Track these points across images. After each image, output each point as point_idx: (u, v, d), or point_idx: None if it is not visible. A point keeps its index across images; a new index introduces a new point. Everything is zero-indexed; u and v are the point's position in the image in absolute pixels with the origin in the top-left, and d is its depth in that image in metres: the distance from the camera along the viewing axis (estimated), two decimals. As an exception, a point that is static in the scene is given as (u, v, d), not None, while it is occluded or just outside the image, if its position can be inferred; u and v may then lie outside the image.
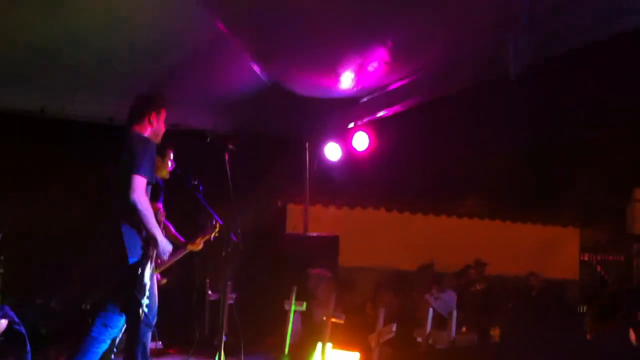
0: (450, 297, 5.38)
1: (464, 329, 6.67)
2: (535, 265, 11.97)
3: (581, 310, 12.09)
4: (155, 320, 4.81)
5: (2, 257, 6.70)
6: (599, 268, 15.21)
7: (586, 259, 14.83)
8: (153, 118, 4.84)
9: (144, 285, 4.46)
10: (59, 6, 6.12)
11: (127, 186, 4.42)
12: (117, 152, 4.67)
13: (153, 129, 4.84)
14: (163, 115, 5.03)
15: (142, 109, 4.87)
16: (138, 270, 4.44)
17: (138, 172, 4.47)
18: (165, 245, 4.62)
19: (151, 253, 4.55)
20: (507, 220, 13.50)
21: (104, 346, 4.65)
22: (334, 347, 5.32)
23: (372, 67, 6.76)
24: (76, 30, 6.53)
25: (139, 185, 4.46)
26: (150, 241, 4.53)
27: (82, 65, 7.08)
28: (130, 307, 4.48)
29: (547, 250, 13.19)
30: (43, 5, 6.09)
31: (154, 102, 4.94)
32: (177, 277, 5.99)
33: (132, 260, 4.45)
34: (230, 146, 5.03)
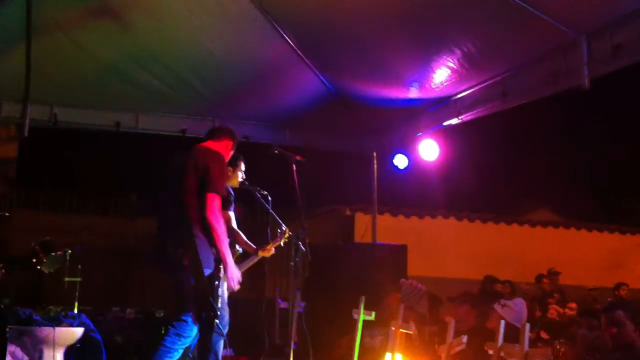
0: (520, 305, 5.24)
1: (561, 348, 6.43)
2: (612, 274, 11.60)
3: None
4: (227, 329, 4.91)
5: (80, 267, 6.94)
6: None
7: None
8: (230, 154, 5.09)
9: (219, 297, 4.57)
10: (134, 27, 6.37)
11: (204, 205, 4.54)
12: (188, 160, 4.80)
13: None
14: (239, 167, 5.35)
15: (225, 135, 5.04)
16: (214, 281, 4.53)
17: (214, 191, 4.61)
18: (234, 271, 4.70)
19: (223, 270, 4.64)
20: (583, 229, 13.12)
21: (177, 355, 4.69)
22: (403, 358, 5.29)
23: (439, 75, 6.72)
24: (150, 48, 6.77)
25: (215, 204, 4.59)
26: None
27: (156, 82, 7.31)
28: (205, 318, 4.57)
29: (624, 259, 12.75)
30: (120, 28, 6.34)
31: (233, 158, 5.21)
32: (247, 286, 6.07)
33: (207, 271, 4.55)
34: (297, 157, 5.09)
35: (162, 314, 7.65)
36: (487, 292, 9.04)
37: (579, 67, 5.49)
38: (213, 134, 5.19)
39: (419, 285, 6.71)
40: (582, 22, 5.37)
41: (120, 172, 13.07)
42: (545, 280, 10.56)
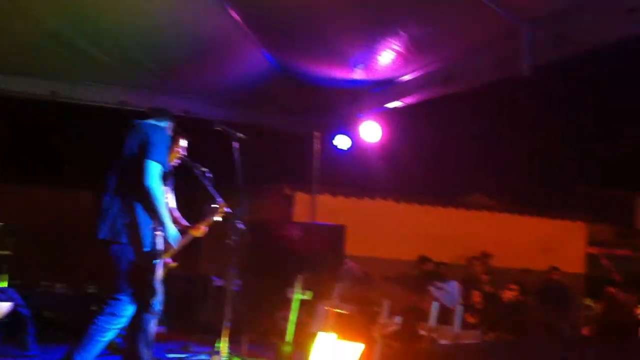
0: (453, 287, 5.34)
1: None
2: (541, 258, 11.96)
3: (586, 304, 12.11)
4: (160, 307, 4.83)
5: (12, 240, 6.73)
6: (605, 262, 15.19)
7: (593, 252, 14.82)
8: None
9: (158, 275, 4.49)
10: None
11: (142, 171, 4.46)
12: (131, 137, 4.70)
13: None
14: (178, 143, 5.27)
15: (166, 117, 4.98)
16: (154, 259, 4.45)
17: (154, 158, 4.53)
18: (174, 233, 4.65)
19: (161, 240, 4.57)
20: (516, 214, 13.46)
21: (110, 335, 4.59)
22: (338, 338, 5.32)
23: (384, 57, 6.72)
24: (89, 18, 6.53)
25: (154, 171, 4.51)
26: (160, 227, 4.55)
27: (95, 52, 7.08)
28: (144, 297, 4.48)
29: (554, 244, 13.16)
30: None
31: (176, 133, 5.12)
32: (183, 262, 5.99)
33: (147, 248, 4.47)
34: (239, 135, 5.02)
35: (93, 290, 7.49)
36: (423, 273, 9.19)
37: (521, 54, 5.57)
38: (153, 115, 5.08)
39: (355, 267, 6.77)
40: (525, 10, 5.43)
41: (55, 144, 12.68)
42: (476, 262, 10.79)
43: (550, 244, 13.05)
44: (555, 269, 10.95)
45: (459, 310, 3.66)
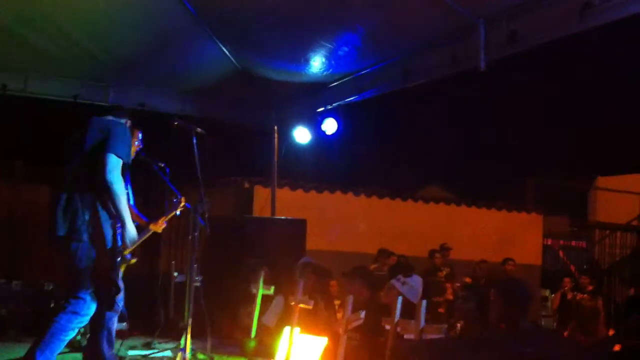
0: (416, 281, 5.39)
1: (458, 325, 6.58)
2: (499, 250, 12.16)
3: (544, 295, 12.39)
4: (122, 304, 4.77)
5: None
6: (561, 254, 15.54)
7: (549, 244, 15.13)
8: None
9: (119, 271, 4.43)
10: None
11: (103, 165, 4.39)
12: (89, 132, 4.61)
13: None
14: (136, 137, 5.16)
15: (124, 114, 4.91)
16: (115, 256, 4.38)
17: (114, 152, 4.45)
18: (132, 232, 4.58)
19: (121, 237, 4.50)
20: (473, 206, 13.64)
21: (72, 334, 4.49)
22: (301, 332, 5.34)
23: (342, 52, 6.74)
24: (36, 9, 6.39)
25: (114, 164, 4.44)
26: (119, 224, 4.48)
27: (48, 44, 6.94)
28: (106, 295, 4.41)
29: (511, 236, 13.39)
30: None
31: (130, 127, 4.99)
32: (143, 259, 5.93)
33: (108, 245, 4.40)
34: (198, 130, 4.97)
35: (50, 287, 7.36)
36: (387, 267, 9.25)
37: (476, 50, 5.66)
38: (112, 111, 5.00)
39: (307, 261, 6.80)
40: (480, 7, 5.52)
41: (6, 138, 12.37)
42: (437, 255, 10.92)
43: (507, 236, 13.28)
44: (509, 260, 11.15)
45: (423, 304, 3.71)
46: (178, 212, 5.45)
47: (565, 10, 4.89)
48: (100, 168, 4.41)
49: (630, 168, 18.36)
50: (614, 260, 16.72)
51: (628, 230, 16.98)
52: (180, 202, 5.37)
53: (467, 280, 10.83)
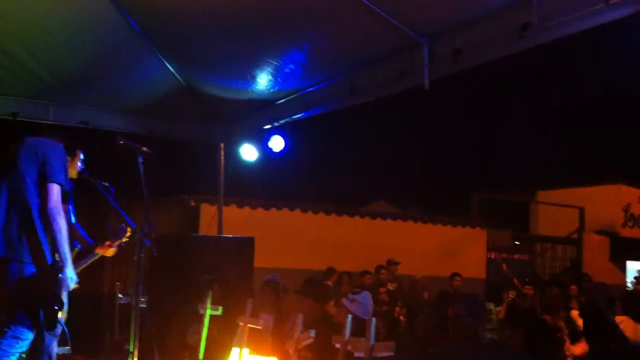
0: (366, 297, 5.40)
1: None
2: (445, 264, 12.32)
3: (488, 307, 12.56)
4: (61, 328, 4.63)
5: None
6: (504, 267, 15.84)
7: (492, 257, 15.41)
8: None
9: (63, 287, 4.29)
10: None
11: (45, 196, 4.27)
12: (24, 153, 4.48)
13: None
14: (78, 156, 5.12)
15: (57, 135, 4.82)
16: (57, 272, 4.25)
17: (55, 181, 4.35)
18: (71, 273, 4.43)
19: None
20: (419, 221, 13.81)
21: (14, 359, 4.36)
22: (251, 353, 5.27)
23: (288, 69, 6.75)
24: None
25: (56, 194, 4.33)
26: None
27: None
28: (48, 314, 4.26)
29: (456, 250, 13.59)
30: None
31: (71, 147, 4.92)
32: (85, 280, 5.78)
33: (49, 262, 4.27)
34: (144, 149, 4.88)
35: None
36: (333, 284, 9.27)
37: (420, 67, 5.73)
38: (45, 132, 4.89)
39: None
40: (424, 25, 5.60)
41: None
42: (383, 270, 10.98)
43: (452, 250, 13.47)
44: (457, 275, 11.28)
45: (373, 322, 3.70)
46: (123, 242, 5.35)
47: (505, 29, 5.01)
48: (42, 198, 4.29)
49: (568, 182, 18.90)
50: (555, 272, 17.16)
51: (568, 243, 17.45)
52: (126, 231, 5.25)
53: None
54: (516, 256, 16.70)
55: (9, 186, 4.45)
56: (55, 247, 4.33)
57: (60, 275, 4.29)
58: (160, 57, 7.08)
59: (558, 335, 6.43)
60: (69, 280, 4.41)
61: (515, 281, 14.24)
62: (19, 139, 4.63)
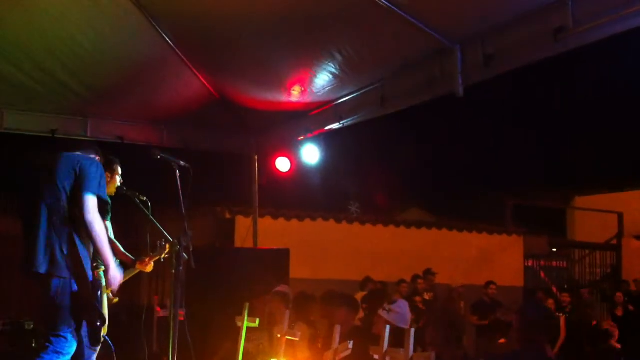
0: (403, 306, 5.34)
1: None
2: (481, 273, 12.18)
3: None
4: (103, 341, 4.69)
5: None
6: (542, 274, 15.60)
7: (529, 265, 15.19)
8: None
9: (103, 303, 4.36)
10: (3, 20, 5.96)
11: (82, 206, 4.33)
12: (61, 167, 4.55)
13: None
14: (117, 171, 5.30)
15: (93, 150, 4.87)
16: (97, 288, 4.31)
17: (91, 191, 4.40)
18: (115, 272, 4.51)
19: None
20: (454, 229, 13.69)
21: (55, 374, 4.41)
22: (288, 364, 5.27)
23: (320, 79, 6.76)
24: (19, 42, 6.35)
25: (93, 205, 4.39)
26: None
27: (24, 78, 6.87)
28: (91, 329, 4.32)
29: (492, 258, 13.43)
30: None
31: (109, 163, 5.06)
32: (124, 292, 5.84)
33: (90, 278, 4.34)
34: (181, 163, 4.93)
35: (31, 326, 7.21)
36: (370, 294, 9.22)
37: (453, 74, 5.68)
38: (81, 147, 4.96)
39: (282, 288, 6.75)
40: (456, 32, 5.55)
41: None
42: (420, 280, 10.90)
43: (489, 258, 13.31)
44: (491, 282, 11.15)
45: (411, 332, 3.65)
46: (162, 259, 5.39)
47: (539, 33, 4.94)
48: (79, 209, 4.35)
49: (606, 187, 18.55)
50: (595, 279, 16.84)
51: (607, 249, 17.12)
52: (165, 248, 5.28)
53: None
54: (554, 263, 16.44)
55: (48, 202, 4.51)
56: (97, 254, 4.40)
57: (99, 290, 4.35)
58: (194, 70, 7.15)
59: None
60: (113, 280, 4.48)
61: (554, 289, 14.01)
62: (56, 154, 4.71)
